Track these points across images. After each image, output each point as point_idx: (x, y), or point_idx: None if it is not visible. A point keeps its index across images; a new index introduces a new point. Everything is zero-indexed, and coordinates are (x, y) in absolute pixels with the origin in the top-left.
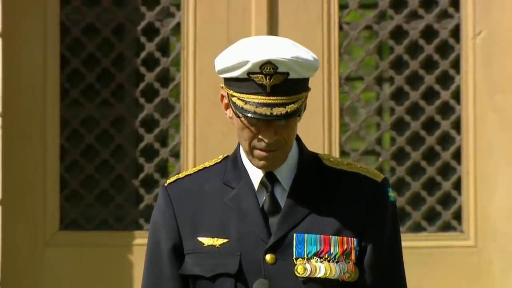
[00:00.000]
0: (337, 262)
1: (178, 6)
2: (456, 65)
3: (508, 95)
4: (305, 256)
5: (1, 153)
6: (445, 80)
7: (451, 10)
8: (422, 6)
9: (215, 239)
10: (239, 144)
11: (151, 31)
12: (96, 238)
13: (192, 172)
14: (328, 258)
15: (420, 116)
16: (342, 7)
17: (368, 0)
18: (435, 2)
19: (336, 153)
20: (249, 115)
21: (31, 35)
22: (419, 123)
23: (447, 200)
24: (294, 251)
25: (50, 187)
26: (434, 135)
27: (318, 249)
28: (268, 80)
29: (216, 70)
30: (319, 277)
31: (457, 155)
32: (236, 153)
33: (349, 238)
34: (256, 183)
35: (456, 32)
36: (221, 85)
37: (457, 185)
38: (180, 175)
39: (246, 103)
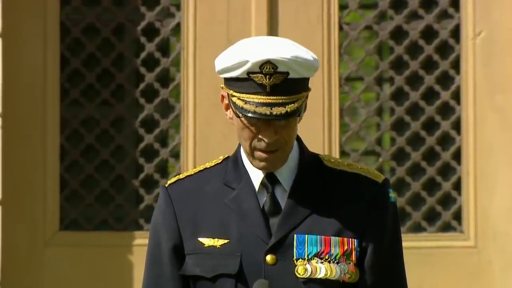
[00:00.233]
0: (337, 263)
1: (178, 6)
2: (456, 65)
3: (508, 95)
4: (306, 257)
5: (1, 153)
6: (445, 80)
7: (451, 10)
8: (422, 6)
9: (216, 239)
10: (239, 145)
11: (151, 31)
12: (96, 238)
13: (192, 173)
14: (329, 259)
15: (420, 116)
16: (342, 7)
17: (368, 0)
18: (435, 2)
19: (336, 154)
20: (249, 114)
21: (31, 35)
22: (419, 123)
23: (447, 200)
24: (294, 252)
25: (50, 187)
26: (434, 135)
27: (318, 250)
28: (268, 80)
29: (216, 70)
30: (320, 278)
31: (457, 155)
32: (237, 153)
33: (350, 239)
34: (256, 184)
35: (456, 32)
36: (221, 85)
37: (457, 185)
38: (181, 176)
39: (246, 103)
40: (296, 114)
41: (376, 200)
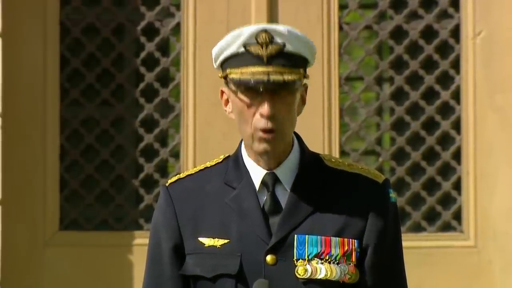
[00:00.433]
0: (337, 263)
1: (178, 6)
2: (456, 65)
3: (508, 95)
4: (306, 257)
5: (1, 153)
6: (445, 80)
7: (451, 10)
8: (422, 6)
9: (216, 239)
10: (240, 144)
11: (151, 31)
12: (96, 238)
13: (193, 172)
14: (329, 260)
15: (420, 116)
16: (342, 7)
17: (368, 0)
18: (435, 2)
19: (336, 153)
20: (246, 79)
21: (31, 35)
22: (419, 123)
23: (447, 200)
24: (295, 252)
25: (50, 187)
26: (434, 135)
27: (319, 251)
28: (264, 50)
29: (213, 56)
30: (320, 279)
31: (457, 155)
32: (238, 153)
33: (350, 240)
34: (257, 183)
35: (456, 32)
36: (219, 74)
37: (457, 185)
38: (181, 175)
39: (243, 74)
40: (294, 86)
41: (376, 200)
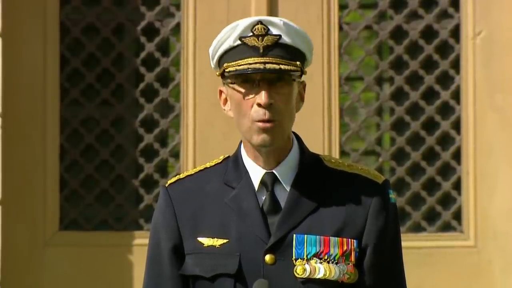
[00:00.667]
0: (336, 263)
1: (178, 6)
2: (456, 65)
3: (508, 95)
4: (305, 257)
5: (1, 153)
6: (445, 80)
7: (451, 10)
8: (422, 6)
9: (215, 239)
10: (240, 145)
11: (151, 31)
12: (96, 238)
13: (193, 173)
14: (328, 259)
15: (420, 116)
16: (342, 7)
17: (368, 0)
18: (435, 2)
19: (336, 153)
20: (242, 69)
21: (31, 35)
22: (419, 123)
23: (447, 200)
24: (293, 252)
25: (50, 187)
26: (434, 135)
27: (317, 250)
28: (260, 41)
29: (211, 54)
30: (319, 278)
31: (457, 155)
32: (237, 153)
33: (349, 240)
34: (256, 183)
35: (456, 32)
36: (217, 73)
37: (457, 185)
38: (181, 176)
39: (239, 66)
40: (291, 77)
41: (376, 201)
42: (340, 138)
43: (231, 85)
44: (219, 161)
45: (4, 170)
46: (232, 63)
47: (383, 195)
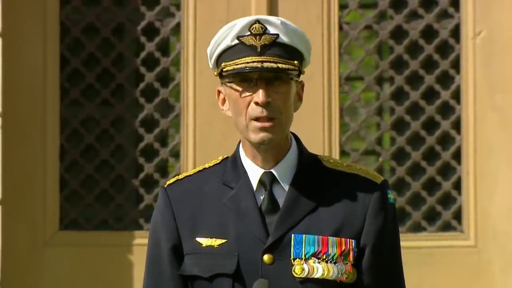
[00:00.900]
0: (335, 263)
1: (178, 6)
2: (456, 65)
3: (508, 95)
4: (303, 256)
5: (1, 153)
6: (445, 80)
7: (451, 10)
8: (422, 6)
9: (214, 239)
10: (238, 145)
11: (151, 31)
12: (96, 238)
13: (191, 173)
14: (326, 259)
15: (420, 116)
16: (342, 7)
17: (368, 0)
18: (435, 2)
19: (336, 153)
20: (239, 67)
21: (31, 35)
22: (419, 123)
23: (447, 200)
24: (292, 252)
25: (50, 187)
26: (434, 135)
27: (316, 250)
28: (257, 40)
29: (209, 54)
30: (317, 278)
31: (457, 155)
32: (236, 153)
33: (348, 239)
34: (254, 183)
35: (456, 32)
36: (215, 73)
37: (457, 185)
38: (180, 176)
39: (237, 64)
40: (288, 76)
41: (374, 201)
42: (340, 138)
43: (228, 84)
44: (218, 161)
45: (4, 170)
46: (230, 62)
47: (382, 195)
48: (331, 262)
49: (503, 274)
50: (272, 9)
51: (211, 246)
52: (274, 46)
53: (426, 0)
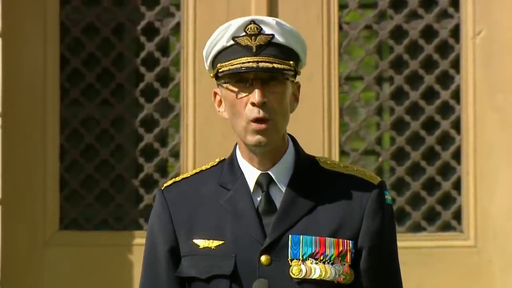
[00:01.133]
0: (332, 263)
1: (178, 6)
2: (456, 65)
3: (508, 95)
4: (300, 257)
5: (1, 153)
6: (445, 80)
7: (451, 10)
8: (422, 6)
9: (211, 241)
10: (235, 147)
11: (151, 31)
12: (96, 238)
13: (189, 175)
14: (323, 260)
15: (420, 116)
16: (342, 7)
17: (368, 0)
18: (435, 2)
19: (336, 153)
20: (235, 68)
21: (31, 35)
22: (419, 123)
23: (447, 200)
24: (289, 252)
25: (50, 187)
26: (434, 135)
27: (313, 251)
28: (252, 40)
29: (204, 55)
30: (314, 279)
31: (457, 155)
32: (233, 155)
33: (345, 240)
34: (251, 184)
35: (456, 32)
36: (210, 74)
37: (457, 185)
38: (177, 178)
39: (233, 65)
40: (284, 76)
41: (372, 202)
42: (340, 137)
43: (224, 85)
44: (215, 163)
45: (4, 170)
46: (226, 63)
47: (379, 196)
48: (328, 263)
49: (503, 274)
50: (272, 9)
51: (208, 248)
52: (270, 47)
53: (426, 0)
